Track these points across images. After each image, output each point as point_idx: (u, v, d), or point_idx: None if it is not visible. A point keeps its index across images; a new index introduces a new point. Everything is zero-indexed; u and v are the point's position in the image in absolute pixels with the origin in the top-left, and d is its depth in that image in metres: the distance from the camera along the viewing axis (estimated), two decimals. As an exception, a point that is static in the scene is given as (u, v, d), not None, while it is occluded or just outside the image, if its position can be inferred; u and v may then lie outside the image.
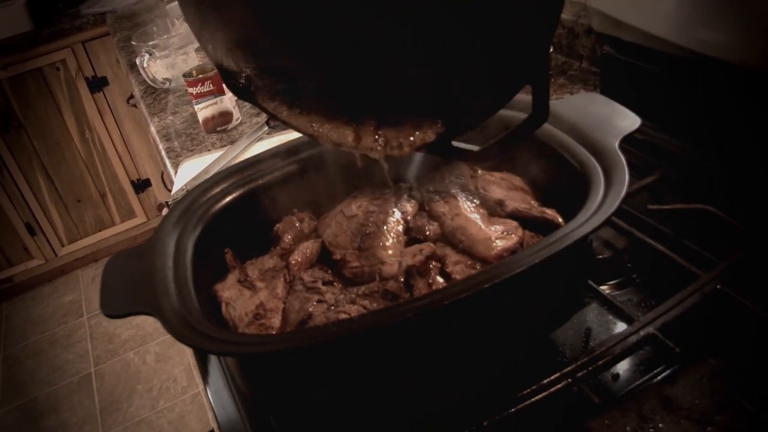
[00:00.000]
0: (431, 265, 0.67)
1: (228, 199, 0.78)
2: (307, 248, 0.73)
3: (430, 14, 0.57)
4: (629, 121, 0.71)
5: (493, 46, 0.58)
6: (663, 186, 0.90)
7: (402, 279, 0.66)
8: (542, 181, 0.78)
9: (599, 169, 0.66)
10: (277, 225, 0.78)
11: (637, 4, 0.97)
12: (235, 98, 1.40)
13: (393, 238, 0.71)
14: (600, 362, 0.64)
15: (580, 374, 0.63)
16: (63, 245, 3.02)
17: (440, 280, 0.66)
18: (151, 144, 2.87)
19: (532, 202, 0.75)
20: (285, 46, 0.66)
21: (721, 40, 0.84)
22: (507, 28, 0.57)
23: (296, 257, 0.72)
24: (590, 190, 0.63)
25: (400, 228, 0.73)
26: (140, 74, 1.68)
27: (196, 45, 1.57)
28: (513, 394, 0.62)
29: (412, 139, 0.68)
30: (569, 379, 0.63)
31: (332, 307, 0.64)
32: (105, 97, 2.79)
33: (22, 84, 2.64)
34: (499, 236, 0.68)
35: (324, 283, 0.68)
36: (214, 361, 0.79)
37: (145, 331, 2.69)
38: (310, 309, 0.64)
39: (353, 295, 0.65)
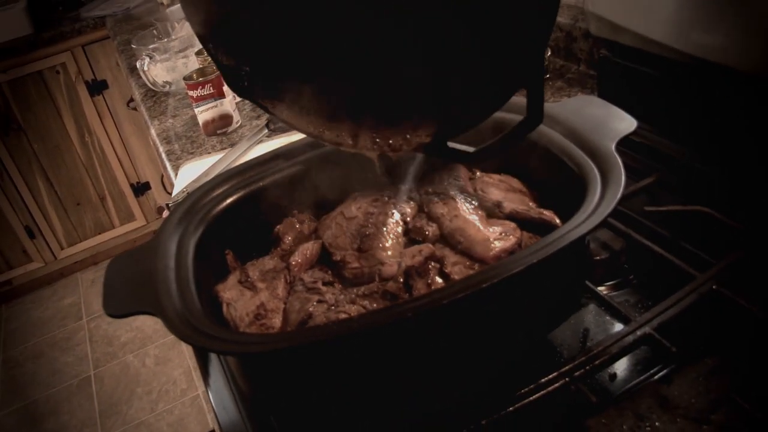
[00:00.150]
0: (430, 266, 0.68)
1: (229, 201, 0.78)
2: (308, 249, 0.74)
3: (430, 14, 0.58)
4: (626, 123, 0.71)
5: (489, 48, 0.59)
6: (660, 188, 0.91)
7: (401, 279, 0.67)
8: (540, 183, 0.79)
9: (596, 170, 0.66)
10: (278, 226, 0.79)
11: (635, 8, 0.98)
12: (235, 101, 1.40)
13: (392, 239, 0.72)
14: (597, 362, 0.65)
15: (577, 373, 0.64)
16: (62, 248, 3.02)
17: (439, 280, 0.66)
18: (150, 147, 2.88)
19: (530, 203, 0.76)
20: (286, 45, 0.67)
21: (719, 44, 0.85)
22: (504, 30, 0.57)
23: (296, 258, 0.73)
24: (587, 191, 0.64)
25: (400, 229, 0.74)
26: (140, 77, 1.69)
27: (197, 48, 1.58)
28: (511, 394, 0.63)
29: (408, 139, 0.68)
30: (567, 379, 0.64)
31: (332, 307, 0.65)
32: (105, 101, 2.80)
33: (22, 87, 2.65)
34: (498, 237, 0.69)
35: (324, 284, 0.69)
36: (214, 362, 0.80)
37: (144, 333, 2.69)
38: (311, 309, 0.65)
39: (353, 296, 0.66)
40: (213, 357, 0.81)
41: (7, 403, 2.48)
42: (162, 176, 2.98)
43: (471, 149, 0.68)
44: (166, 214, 1.03)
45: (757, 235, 0.76)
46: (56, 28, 2.65)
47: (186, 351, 2.55)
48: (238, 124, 1.40)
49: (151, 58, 1.64)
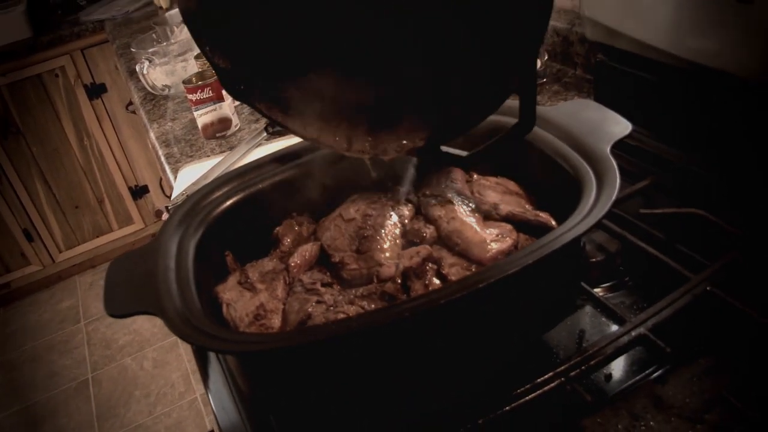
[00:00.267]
0: (428, 267, 0.69)
1: (228, 203, 0.79)
2: (307, 251, 0.75)
3: (428, 16, 0.58)
4: (621, 126, 0.72)
5: (481, 52, 0.60)
6: (655, 191, 0.92)
7: (399, 280, 0.68)
8: (536, 186, 0.80)
9: (591, 173, 0.67)
10: (277, 228, 0.80)
11: (630, 13, 0.99)
12: (234, 105, 1.41)
13: (390, 240, 0.73)
14: (592, 362, 0.65)
15: (573, 373, 0.65)
16: (60, 251, 3.03)
17: (436, 281, 0.67)
18: (148, 150, 2.88)
19: (527, 206, 0.77)
20: (283, 47, 0.67)
21: (714, 48, 0.86)
22: (497, 33, 0.58)
23: (296, 259, 0.73)
24: (582, 193, 0.65)
25: (398, 231, 0.75)
26: (140, 81, 1.70)
27: (196, 52, 1.58)
28: (508, 393, 0.64)
29: (403, 143, 0.69)
30: (562, 378, 0.65)
31: (331, 308, 0.65)
32: (103, 104, 2.81)
33: (21, 90, 2.66)
34: (494, 239, 0.70)
35: (323, 285, 0.70)
36: (213, 362, 0.81)
37: (142, 336, 2.70)
38: (310, 309, 0.65)
39: (351, 296, 0.67)
40: (212, 358, 0.81)
41: (5, 406, 2.48)
42: (160, 179, 2.99)
43: (464, 153, 0.69)
44: (165, 216, 1.04)
45: (750, 237, 0.77)
46: (55, 31, 2.66)
47: (184, 354, 2.55)
48: (237, 127, 1.41)
49: (150, 61, 1.64)
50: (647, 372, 0.68)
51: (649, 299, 0.73)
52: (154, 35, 1.86)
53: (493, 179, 0.82)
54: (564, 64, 1.41)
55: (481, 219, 0.75)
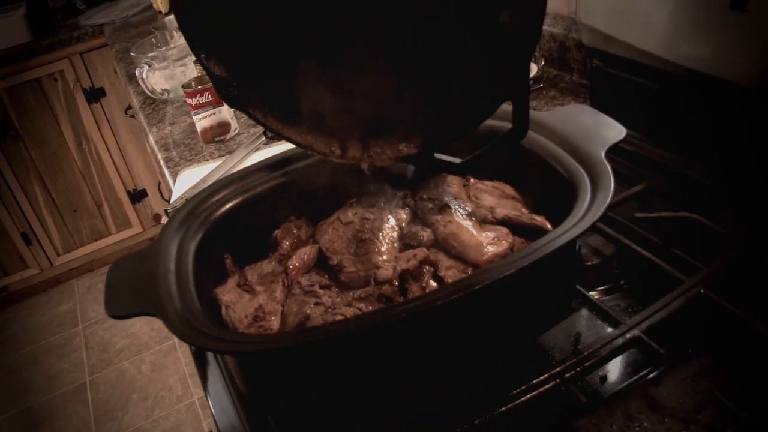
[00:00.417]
0: (425, 270, 0.69)
1: (228, 206, 0.80)
2: (305, 253, 0.75)
3: (425, 15, 0.59)
4: (615, 131, 0.73)
5: (483, 52, 0.60)
6: (650, 195, 0.93)
7: (396, 283, 0.68)
8: (532, 190, 0.81)
9: (586, 177, 0.68)
10: (276, 231, 0.80)
11: (626, 19, 1.00)
12: (233, 109, 1.42)
13: (388, 243, 0.74)
14: (587, 363, 0.66)
15: (568, 375, 0.66)
16: (59, 255, 3.03)
17: (433, 283, 0.68)
18: (147, 154, 2.89)
19: (523, 209, 0.78)
20: (280, 54, 0.68)
21: (708, 55, 0.87)
22: (489, 39, 0.59)
23: (294, 262, 0.74)
24: (577, 197, 0.66)
25: (395, 234, 0.75)
26: (139, 85, 1.71)
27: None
28: (504, 394, 0.65)
29: (397, 150, 0.70)
30: (557, 380, 0.65)
31: (329, 310, 0.66)
32: (102, 108, 2.82)
33: (20, 94, 2.67)
34: (490, 242, 0.71)
35: (321, 287, 0.70)
36: (212, 364, 0.81)
37: (140, 340, 2.70)
38: (308, 311, 0.66)
39: (349, 298, 0.67)
40: (211, 359, 0.82)
41: (3, 409, 2.48)
42: (159, 183, 2.99)
43: (457, 160, 0.70)
44: (164, 220, 1.05)
45: (744, 240, 0.78)
46: (55, 35, 2.67)
47: (182, 357, 2.56)
48: (236, 131, 1.42)
49: (149, 66, 1.65)
50: (642, 374, 0.69)
51: (644, 302, 0.74)
52: (153, 40, 1.87)
53: (489, 183, 0.83)
54: (561, 69, 1.42)
55: (478, 222, 0.76)
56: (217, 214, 0.78)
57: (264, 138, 1.32)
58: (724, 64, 0.85)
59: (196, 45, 0.70)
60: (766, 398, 0.62)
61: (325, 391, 0.64)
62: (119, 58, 2.22)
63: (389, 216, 0.77)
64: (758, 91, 0.82)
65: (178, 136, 1.48)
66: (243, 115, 1.47)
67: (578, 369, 0.66)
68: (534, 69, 1.34)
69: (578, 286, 0.79)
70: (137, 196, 3.06)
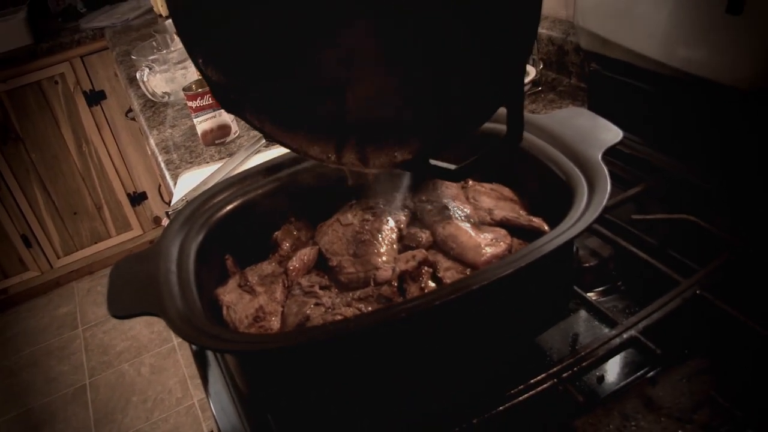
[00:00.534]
0: (423, 271, 0.70)
1: (229, 207, 0.80)
2: (305, 255, 0.76)
3: (425, 15, 0.59)
4: (612, 134, 0.74)
5: (477, 57, 0.61)
6: (647, 197, 0.94)
7: (395, 284, 0.69)
8: (530, 192, 0.82)
9: (583, 179, 0.69)
10: (276, 233, 0.81)
11: (623, 23, 1.01)
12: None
13: (387, 245, 0.74)
14: (584, 363, 0.67)
15: (565, 375, 0.66)
16: (59, 257, 3.04)
17: (432, 284, 0.69)
18: (147, 157, 2.90)
19: (521, 211, 0.78)
20: (277, 60, 0.68)
21: (704, 59, 0.88)
22: (496, 33, 0.59)
23: (294, 263, 0.75)
24: (574, 199, 0.66)
25: (394, 236, 0.76)
26: (140, 88, 1.72)
27: (196, 60, 1.60)
28: (501, 394, 0.65)
29: (393, 155, 0.70)
30: (555, 380, 0.66)
31: (329, 310, 0.67)
32: (102, 111, 2.83)
33: (21, 97, 2.67)
34: (489, 243, 0.71)
35: (321, 288, 0.71)
36: (213, 364, 0.82)
37: (140, 342, 2.70)
38: (308, 312, 0.67)
39: (349, 299, 0.68)
40: (211, 360, 0.83)
41: (3, 411, 2.48)
42: (159, 186, 3.00)
43: (452, 167, 0.70)
44: (165, 221, 1.05)
45: (740, 242, 0.79)
46: (55, 38, 2.68)
47: (181, 360, 2.56)
48: (236, 134, 1.42)
49: (150, 69, 1.66)
50: (638, 374, 0.70)
51: (642, 303, 0.74)
52: (154, 43, 1.88)
53: (487, 185, 0.84)
54: (559, 73, 1.43)
55: (476, 224, 0.76)
56: (218, 216, 0.79)
57: (264, 141, 1.32)
58: (720, 68, 0.86)
59: (193, 50, 0.70)
60: (762, 398, 0.63)
61: (325, 391, 0.64)
62: (120, 61, 2.23)
63: (388, 218, 0.78)
64: (754, 94, 0.83)
65: (178, 139, 1.49)
66: (243, 118, 1.49)
67: (575, 369, 0.67)
68: (532, 72, 1.35)
69: (576, 288, 0.80)
70: (137, 198, 3.07)
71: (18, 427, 2.41)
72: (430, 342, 0.63)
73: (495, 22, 0.57)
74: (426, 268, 0.70)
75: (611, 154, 0.73)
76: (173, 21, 0.70)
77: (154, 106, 1.72)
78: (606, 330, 0.76)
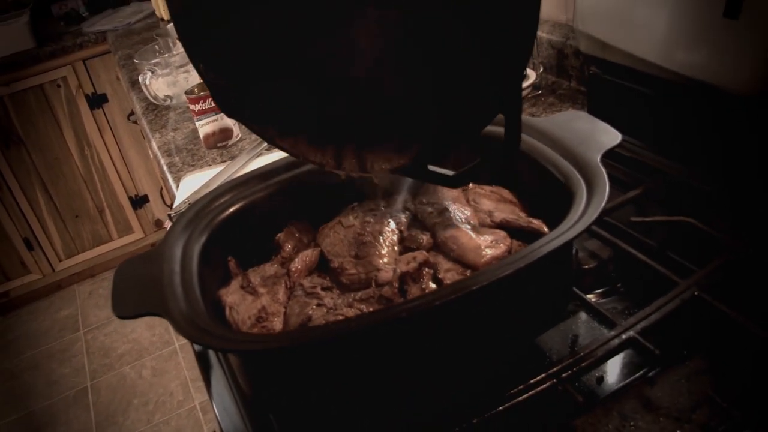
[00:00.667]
0: (424, 272, 0.71)
1: (231, 210, 0.81)
2: (307, 256, 0.77)
3: (425, 15, 0.60)
4: (611, 136, 0.75)
5: (477, 57, 0.61)
6: (647, 199, 0.94)
7: (396, 285, 0.70)
8: (530, 194, 0.82)
9: (582, 181, 0.69)
10: (278, 234, 0.82)
11: (622, 27, 1.02)
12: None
13: (388, 246, 0.75)
14: (583, 363, 0.68)
15: (564, 375, 0.67)
16: (60, 260, 3.04)
17: (433, 285, 0.69)
18: (149, 160, 2.91)
19: (520, 213, 0.79)
20: (277, 64, 0.69)
21: (702, 63, 0.88)
22: (492, 40, 0.60)
23: (296, 265, 0.76)
24: (573, 201, 0.67)
25: (395, 237, 0.77)
26: (142, 91, 1.72)
27: (198, 63, 1.60)
28: (501, 394, 0.66)
29: (391, 161, 0.71)
30: (555, 380, 0.67)
31: (331, 311, 0.67)
32: (104, 114, 2.83)
33: (23, 100, 2.68)
34: (489, 245, 0.72)
35: (323, 289, 0.72)
36: (215, 365, 0.82)
37: (141, 345, 2.71)
38: (310, 312, 0.68)
39: (350, 300, 0.69)
40: (214, 361, 0.83)
41: (4, 414, 2.48)
42: (161, 189, 3.01)
43: (450, 173, 0.71)
44: (168, 224, 1.06)
45: (738, 243, 0.80)
46: (58, 42, 2.69)
47: (183, 362, 2.57)
48: (238, 137, 1.43)
49: (152, 72, 1.67)
50: (637, 374, 0.70)
51: (641, 304, 0.75)
52: (156, 46, 1.89)
53: (487, 187, 0.84)
54: (559, 76, 1.44)
55: (476, 226, 0.77)
56: (221, 218, 0.80)
57: (266, 144, 1.33)
58: (718, 71, 0.87)
59: (193, 52, 0.71)
60: (760, 398, 0.63)
61: (327, 391, 0.65)
62: (122, 64, 2.24)
63: (389, 220, 0.79)
64: (751, 97, 0.84)
65: (180, 142, 1.50)
66: (245, 121, 1.50)
67: (575, 369, 0.68)
68: (533, 76, 1.36)
69: (576, 289, 0.80)
70: (139, 201, 3.08)
71: (20, 430, 2.41)
72: (430, 342, 0.63)
73: (495, 22, 0.58)
74: (427, 269, 0.71)
75: (610, 156, 0.74)
76: (174, 23, 0.70)
77: (156, 110, 1.72)
78: (605, 331, 0.77)
